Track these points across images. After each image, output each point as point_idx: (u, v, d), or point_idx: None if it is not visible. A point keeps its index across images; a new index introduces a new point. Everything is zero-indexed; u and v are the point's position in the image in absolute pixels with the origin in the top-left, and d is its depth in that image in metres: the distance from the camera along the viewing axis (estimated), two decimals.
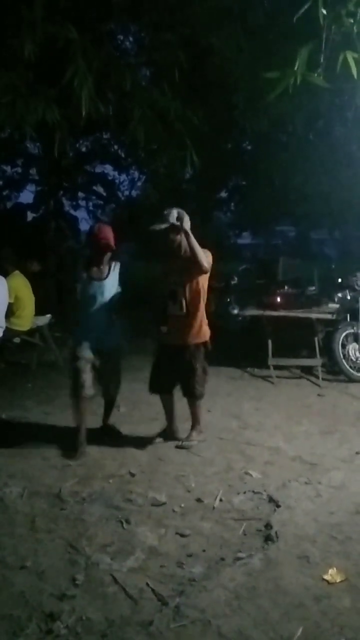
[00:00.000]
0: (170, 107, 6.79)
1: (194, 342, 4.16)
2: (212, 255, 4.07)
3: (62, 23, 5.74)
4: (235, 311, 9.44)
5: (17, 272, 6.28)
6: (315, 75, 3.15)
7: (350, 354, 6.39)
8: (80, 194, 14.84)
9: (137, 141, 6.88)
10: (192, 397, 4.33)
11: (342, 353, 6.33)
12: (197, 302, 4.10)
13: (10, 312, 5.90)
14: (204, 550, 2.82)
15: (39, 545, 2.87)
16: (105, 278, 4.13)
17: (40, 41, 5.62)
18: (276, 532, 2.96)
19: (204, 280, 4.09)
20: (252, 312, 7.06)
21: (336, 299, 6.97)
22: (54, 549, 2.84)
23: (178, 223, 3.89)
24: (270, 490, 3.48)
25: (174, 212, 3.94)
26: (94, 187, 14.71)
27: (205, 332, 4.22)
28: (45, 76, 6.15)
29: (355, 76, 3.17)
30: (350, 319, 6.63)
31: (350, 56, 3.01)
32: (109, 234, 4.07)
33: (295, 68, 3.07)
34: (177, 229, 3.91)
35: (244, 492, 3.48)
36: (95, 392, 4.21)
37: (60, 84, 5.86)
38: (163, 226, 3.93)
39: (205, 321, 4.20)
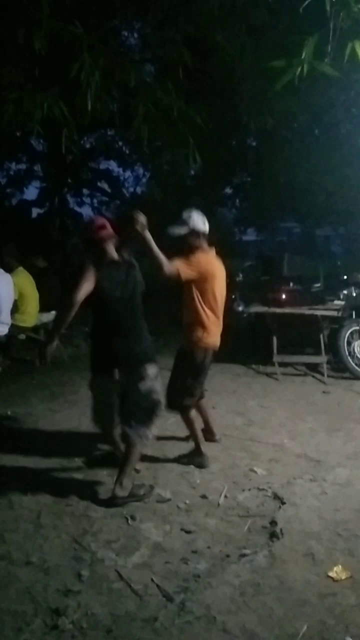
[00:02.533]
0: (173, 105, 6.77)
1: (181, 346, 3.90)
2: (217, 252, 3.97)
3: (68, 19, 5.73)
4: (240, 308, 9.45)
5: (21, 268, 6.29)
6: (324, 62, 3.06)
7: (356, 351, 6.38)
8: (85, 191, 14.85)
9: (142, 138, 6.87)
10: (167, 405, 3.82)
11: (348, 350, 6.32)
12: (185, 306, 3.83)
13: (14, 309, 5.91)
14: (208, 547, 2.82)
15: (45, 541, 2.89)
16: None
17: (47, 37, 5.61)
18: (281, 529, 2.96)
19: (198, 286, 3.74)
20: (257, 308, 7.05)
21: (341, 296, 6.96)
22: (60, 545, 2.85)
23: (200, 228, 3.75)
24: (275, 487, 3.48)
25: (194, 216, 3.77)
26: (99, 184, 14.71)
27: (193, 341, 3.79)
28: (51, 72, 6.15)
29: None
30: (355, 316, 6.62)
31: (358, 46, 2.95)
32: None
33: (302, 57, 2.98)
34: (197, 233, 3.75)
35: (249, 489, 3.48)
36: None
37: (66, 80, 5.86)
38: (182, 231, 3.75)
39: (196, 330, 3.77)
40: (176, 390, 3.84)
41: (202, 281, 3.72)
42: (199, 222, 3.78)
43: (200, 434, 3.97)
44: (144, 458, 3.94)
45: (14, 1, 5.64)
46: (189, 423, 3.92)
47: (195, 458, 3.90)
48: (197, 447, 3.92)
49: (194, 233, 3.75)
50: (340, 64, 3.07)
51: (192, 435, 3.95)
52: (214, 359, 4.04)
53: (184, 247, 3.76)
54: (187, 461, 3.90)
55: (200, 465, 3.84)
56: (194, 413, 3.95)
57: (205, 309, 3.78)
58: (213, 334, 3.84)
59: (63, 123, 6.21)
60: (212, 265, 3.80)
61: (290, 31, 5.10)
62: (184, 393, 3.84)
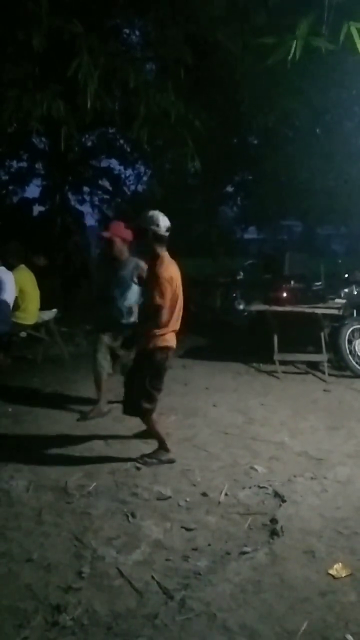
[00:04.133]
0: (171, 109, 6.75)
1: (140, 347, 3.87)
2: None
3: (68, 18, 5.73)
4: (241, 306, 9.47)
5: (22, 266, 6.27)
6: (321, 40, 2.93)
7: (357, 350, 6.37)
8: (86, 189, 14.82)
9: (142, 140, 6.88)
10: (124, 410, 4.00)
11: (348, 349, 6.32)
12: (146, 307, 3.85)
13: (15, 306, 5.91)
14: (209, 544, 2.83)
15: (45, 538, 2.89)
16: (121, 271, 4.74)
17: (46, 35, 5.61)
18: (282, 527, 2.96)
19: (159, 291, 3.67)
20: (258, 307, 7.04)
21: (342, 294, 6.96)
22: (60, 542, 2.86)
23: (148, 227, 3.68)
24: (275, 485, 3.48)
25: (146, 215, 3.72)
26: (100, 182, 14.68)
27: (153, 342, 3.73)
28: (51, 70, 6.15)
29: None
30: (356, 314, 6.61)
31: (354, 28, 2.81)
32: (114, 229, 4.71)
33: (296, 33, 2.87)
34: (145, 232, 3.71)
35: (250, 487, 3.48)
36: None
37: (66, 78, 5.86)
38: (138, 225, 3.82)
39: (157, 331, 3.72)
40: (136, 394, 3.79)
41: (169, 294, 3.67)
42: (147, 221, 3.68)
43: (162, 431, 3.93)
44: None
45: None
46: (150, 425, 3.88)
47: (160, 456, 3.86)
48: (161, 444, 3.88)
49: (142, 231, 3.71)
50: (336, 50, 2.99)
51: (155, 436, 3.90)
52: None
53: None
54: (150, 461, 3.83)
55: (169, 461, 3.82)
56: (155, 415, 3.88)
57: (167, 313, 3.70)
58: (173, 335, 3.82)
59: (62, 122, 6.22)
60: (171, 272, 3.69)
61: (288, 14, 5.02)
62: (144, 396, 3.75)
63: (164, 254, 3.72)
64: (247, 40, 6.56)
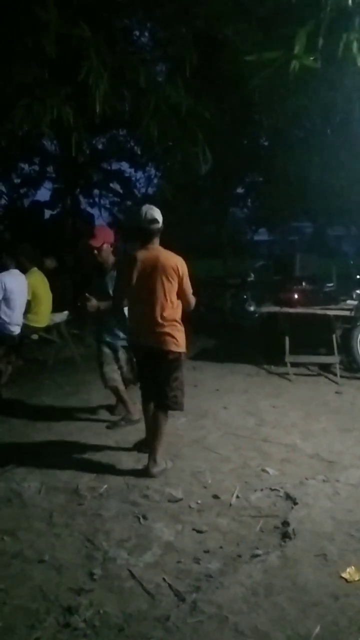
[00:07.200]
0: (182, 103, 6.75)
1: None
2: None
3: (76, 22, 5.75)
4: (252, 308, 9.44)
5: (35, 269, 6.31)
6: (312, 58, 2.91)
7: None
8: (96, 192, 14.87)
9: (152, 137, 6.88)
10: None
11: None
12: None
13: (27, 309, 5.94)
14: (220, 547, 2.82)
15: (57, 539, 2.90)
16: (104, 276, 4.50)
17: (55, 40, 5.64)
18: (293, 530, 2.94)
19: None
20: (269, 308, 7.01)
21: (354, 296, 6.90)
22: (72, 543, 2.86)
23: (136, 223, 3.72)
24: (287, 488, 3.46)
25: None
26: (111, 185, 14.73)
27: None
28: (60, 73, 6.18)
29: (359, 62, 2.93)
30: None
31: (354, 40, 2.80)
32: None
33: (295, 52, 2.87)
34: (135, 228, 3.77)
35: (261, 489, 3.46)
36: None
37: (75, 81, 5.88)
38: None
39: None
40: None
41: (124, 279, 3.69)
42: (136, 216, 3.69)
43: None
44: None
45: (22, 5, 5.67)
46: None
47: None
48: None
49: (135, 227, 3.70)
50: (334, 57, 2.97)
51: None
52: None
53: None
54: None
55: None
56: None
57: (130, 305, 3.77)
58: (133, 330, 3.79)
59: (72, 127, 6.25)
60: (134, 262, 3.58)
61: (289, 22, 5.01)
62: None
63: (144, 247, 3.61)
64: (256, 37, 6.51)
